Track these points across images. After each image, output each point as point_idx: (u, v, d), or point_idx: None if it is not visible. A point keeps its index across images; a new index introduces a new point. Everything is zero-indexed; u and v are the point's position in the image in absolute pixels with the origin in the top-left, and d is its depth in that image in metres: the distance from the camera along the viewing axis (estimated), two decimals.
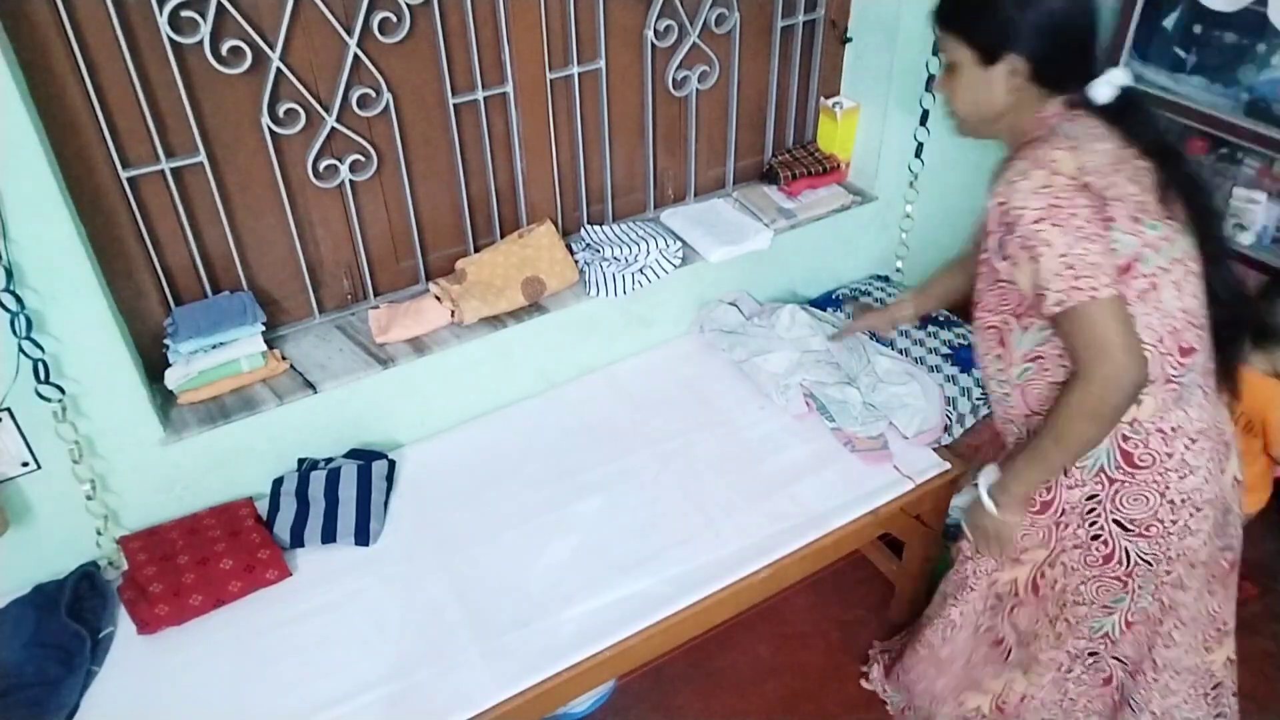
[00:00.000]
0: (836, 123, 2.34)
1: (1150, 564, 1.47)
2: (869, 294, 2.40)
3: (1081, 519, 1.48)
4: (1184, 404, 1.38)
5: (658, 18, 2.00)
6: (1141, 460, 1.40)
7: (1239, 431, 2.08)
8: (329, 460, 1.91)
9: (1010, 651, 1.71)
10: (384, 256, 1.99)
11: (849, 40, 2.30)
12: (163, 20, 1.51)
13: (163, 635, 1.63)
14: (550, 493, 1.90)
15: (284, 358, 1.85)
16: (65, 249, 1.49)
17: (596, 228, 2.18)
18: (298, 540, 1.77)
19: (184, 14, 1.53)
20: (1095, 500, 1.45)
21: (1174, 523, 1.43)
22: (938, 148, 2.38)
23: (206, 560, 1.69)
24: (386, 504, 1.86)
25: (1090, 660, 1.65)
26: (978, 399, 2.08)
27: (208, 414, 1.76)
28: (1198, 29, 2.33)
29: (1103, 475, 1.43)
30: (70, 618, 1.61)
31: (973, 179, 2.57)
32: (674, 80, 2.11)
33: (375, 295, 2.01)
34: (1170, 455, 1.39)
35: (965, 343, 2.23)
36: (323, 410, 1.86)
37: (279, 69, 1.65)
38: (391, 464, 1.93)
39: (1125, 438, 1.40)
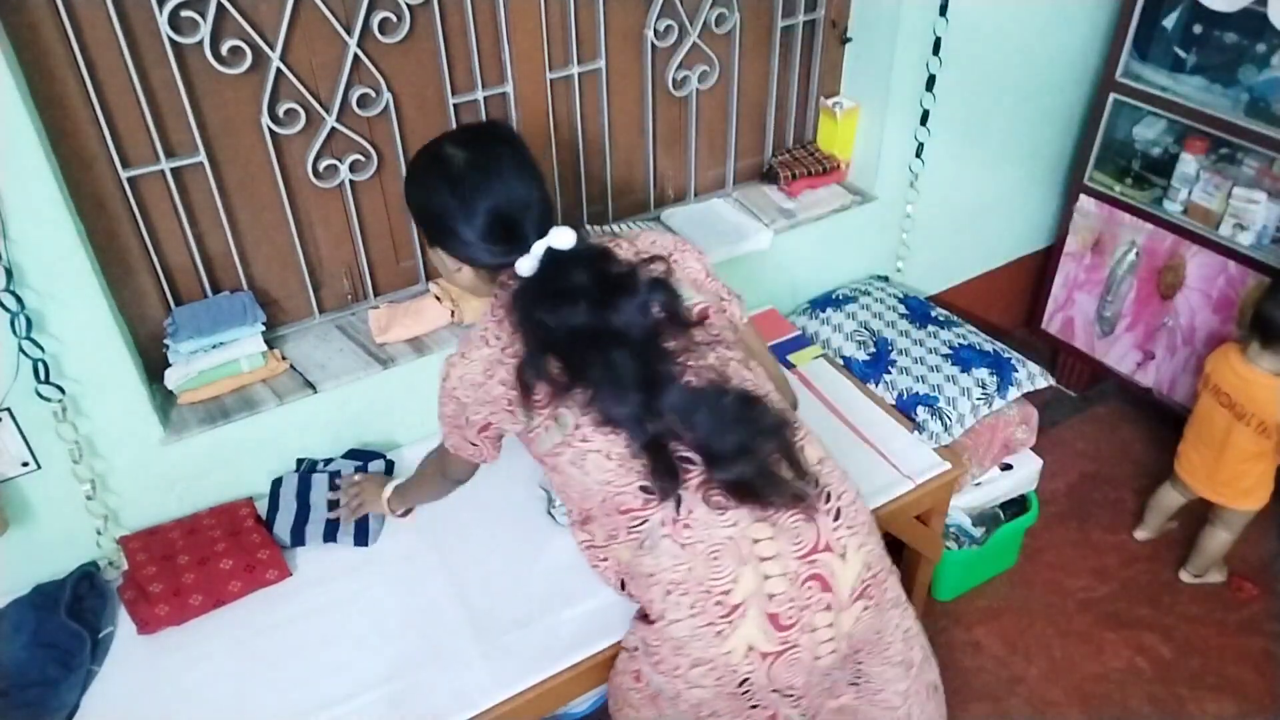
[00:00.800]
0: (836, 123, 2.34)
1: (670, 697, 1.39)
2: (868, 294, 2.40)
3: (633, 622, 1.46)
4: (652, 552, 1.33)
5: (658, 18, 2.00)
6: (640, 599, 1.39)
7: (1252, 432, 2.08)
8: (328, 461, 1.91)
9: None
10: (384, 256, 1.99)
11: (849, 40, 2.30)
12: (163, 20, 1.51)
13: (163, 635, 1.63)
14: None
15: (284, 358, 1.85)
16: (65, 249, 1.49)
17: (596, 228, 2.18)
18: (298, 540, 1.77)
19: (184, 14, 1.53)
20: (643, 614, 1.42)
21: (676, 667, 1.34)
22: (938, 148, 2.38)
23: (206, 560, 1.69)
24: None
25: None
26: (978, 399, 2.08)
27: (208, 414, 1.76)
28: (1198, 29, 2.33)
29: None
30: (70, 618, 1.60)
31: (973, 180, 2.58)
32: (674, 80, 2.11)
33: (375, 295, 2.01)
34: (652, 601, 1.35)
35: (965, 342, 2.23)
36: (323, 410, 1.86)
37: (279, 69, 1.65)
38: (390, 464, 1.93)
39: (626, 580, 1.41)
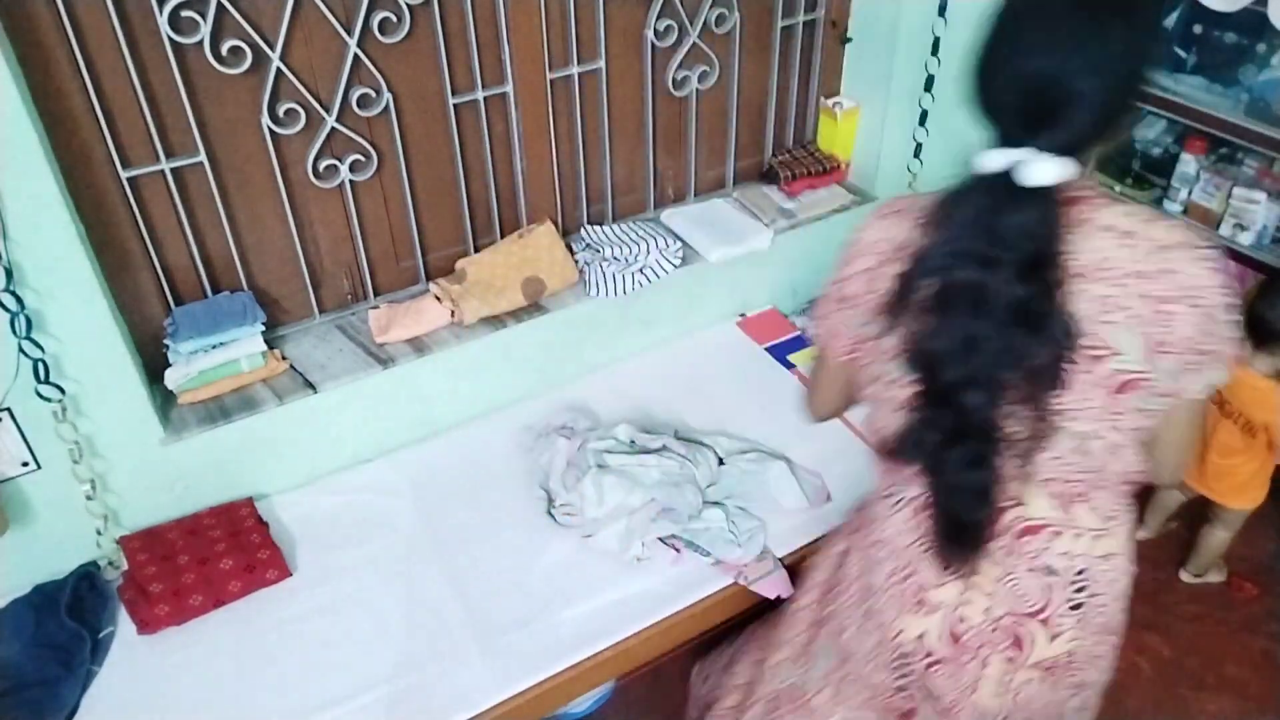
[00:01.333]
0: (836, 123, 2.34)
1: (834, 632, 1.35)
2: None
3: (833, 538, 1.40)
4: (892, 510, 1.25)
5: (658, 18, 2.00)
6: (864, 512, 1.33)
7: (1238, 430, 2.08)
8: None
9: None
10: (384, 256, 1.99)
11: (849, 40, 2.30)
12: (163, 20, 1.51)
13: (163, 635, 1.63)
14: None
15: (284, 358, 1.85)
16: (65, 249, 1.49)
17: (596, 228, 2.18)
18: None
19: (184, 14, 1.53)
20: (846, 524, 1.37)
21: (857, 604, 1.31)
22: (937, 148, 2.38)
23: (206, 560, 1.69)
24: None
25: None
26: None
27: (208, 414, 1.76)
28: (1198, 29, 2.33)
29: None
30: (70, 618, 1.60)
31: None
32: (674, 80, 2.11)
33: (375, 295, 2.01)
34: (869, 547, 1.29)
35: None
36: (322, 410, 1.86)
37: (279, 69, 1.65)
38: None
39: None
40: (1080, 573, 1.18)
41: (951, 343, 1.01)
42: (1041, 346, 0.99)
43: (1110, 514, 1.18)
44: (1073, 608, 1.19)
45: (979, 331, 0.99)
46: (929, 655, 1.24)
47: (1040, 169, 0.94)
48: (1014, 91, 0.96)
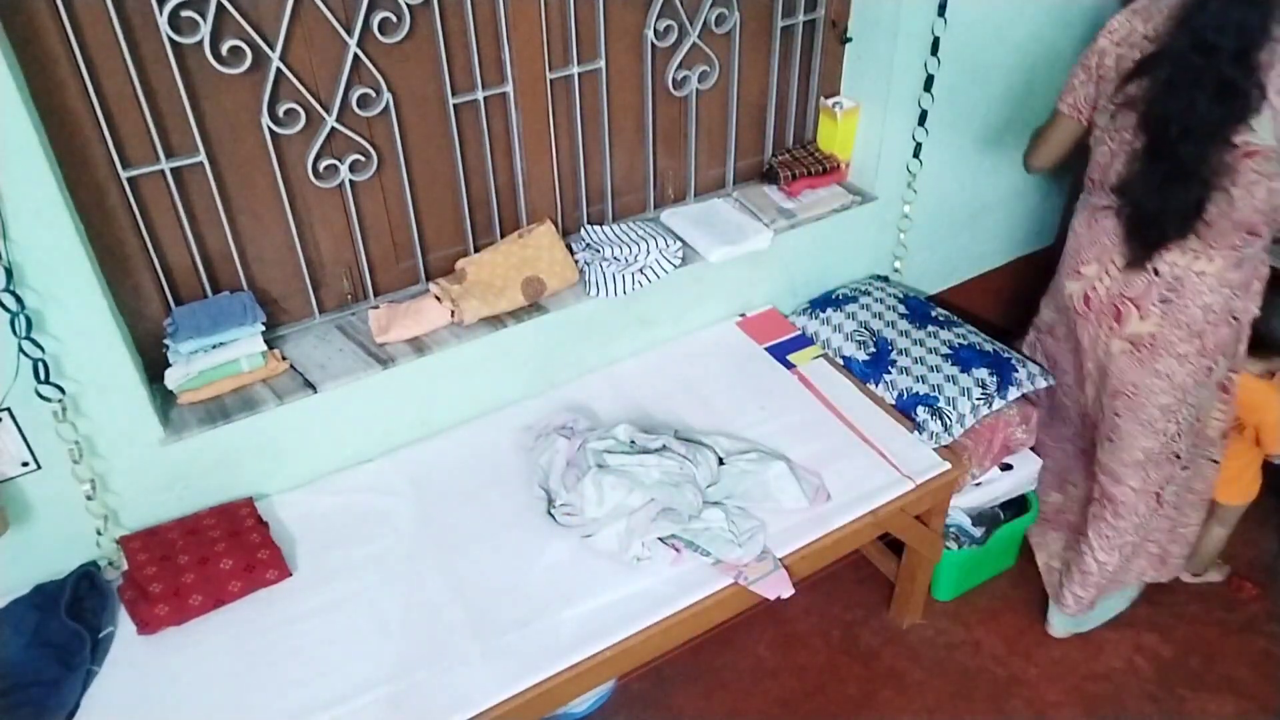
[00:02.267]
0: (836, 123, 2.34)
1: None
2: (868, 294, 2.40)
3: None
4: (1082, 203, 1.96)
5: (658, 18, 2.00)
6: None
7: (1230, 430, 2.09)
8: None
9: None
10: (384, 256, 1.99)
11: (849, 40, 2.30)
12: (163, 20, 1.51)
13: (163, 635, 1.63)
14: None
15: (284, 358, 1.85)
16: (65, 249, 1.49)
17: (596, 228, 2.18)
18: None
19: (184, 14, 1.53)
20: None
21: (1062, 267, 2.05)
22: (937, 148, 2.38)
23: (206, 560, 1.69)
24: None
25: None
26: (978, 399, 2.08)
27: (208, 414, 1.76)
28: None
29: None
30: (70, 618, 1.60)
31: (973, 179, 2.57)
32: (674, 80, 2.11)
33: (375, 295, 2.02)
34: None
35: (965, 342, 2.23)
36: (322, 410, 1.86)
37: (279, 69, 1.65)
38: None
39: None
40: (1176, 278, 1.79)
41: (1179, 108, 1.58)
42: (1228, 116, 1.55)
43: (1215, 245, 1.73)
44: (1161, 301, 1.83)
45: (1197, 100, 1.54)
46: (1074, 310, 1.99)
47: None
48: None
